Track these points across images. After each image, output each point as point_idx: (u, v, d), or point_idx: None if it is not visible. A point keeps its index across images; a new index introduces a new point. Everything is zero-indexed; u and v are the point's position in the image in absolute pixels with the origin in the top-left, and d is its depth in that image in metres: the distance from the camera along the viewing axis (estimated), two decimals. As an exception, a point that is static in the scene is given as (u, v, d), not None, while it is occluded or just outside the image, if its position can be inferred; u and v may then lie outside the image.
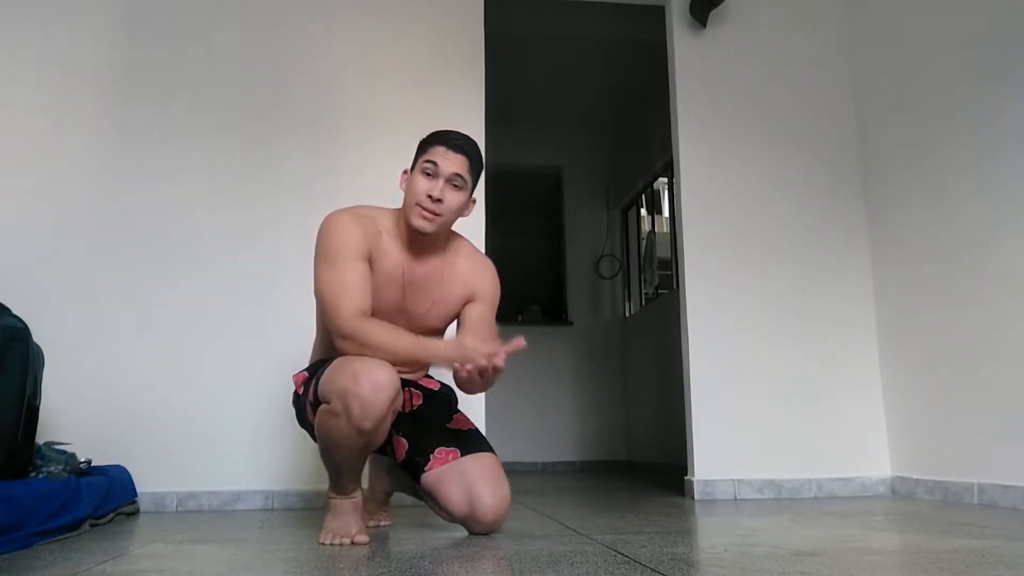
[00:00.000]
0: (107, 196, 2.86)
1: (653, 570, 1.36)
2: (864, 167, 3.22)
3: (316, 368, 1.91)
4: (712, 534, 1.96)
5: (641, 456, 5.54)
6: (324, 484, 1.91)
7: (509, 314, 5.49)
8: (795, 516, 2.28)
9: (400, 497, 2.36)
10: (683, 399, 3.08)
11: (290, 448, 2.76)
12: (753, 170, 3.18)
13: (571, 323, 6.06)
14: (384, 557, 1.59)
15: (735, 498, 2.90)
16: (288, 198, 2.94)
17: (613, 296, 6.21)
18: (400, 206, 1.97)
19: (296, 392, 1.96)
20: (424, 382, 2.05)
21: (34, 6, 2.95)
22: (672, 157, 3.29)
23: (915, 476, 2.85)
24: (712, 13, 3.22)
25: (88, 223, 2.83)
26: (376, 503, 2.23)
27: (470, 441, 1.96)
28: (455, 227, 2.01)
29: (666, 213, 5.62)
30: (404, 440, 1.94)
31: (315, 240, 1.88)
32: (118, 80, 2.95)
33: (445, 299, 1.99)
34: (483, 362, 1.66)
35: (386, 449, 1.98)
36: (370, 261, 1.87)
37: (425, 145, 1.93)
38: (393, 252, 1.92)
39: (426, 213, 1.87)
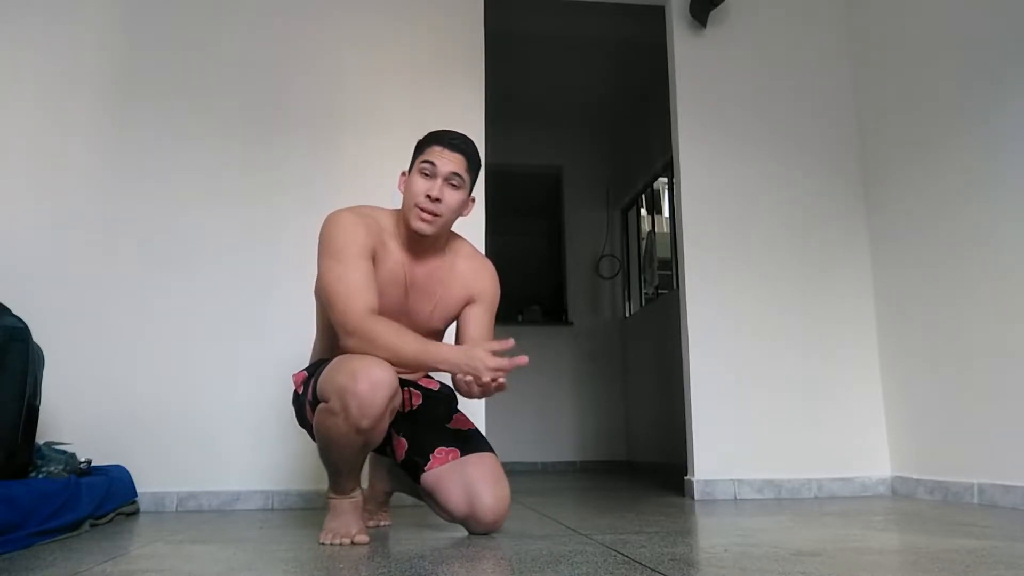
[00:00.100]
0: (107, 196, 2.86)
1: (653, 570, 1.36)
2: (864, 167, 3.22)
3: (316, 367, 1.91)
4: (712, 534, 1.96)
5: (641, 456, 5.54)
6: (324, 484, 1.91)
7: (509, 314, 5.49)
8: (795, 516, 2.28)
9: (400, 497, 2.36)
10: (683, 399, 3.08)
11: (290, 448, 2.76)
12: (753, 170, 3.18)
13: (571, 323, 6.06)
14: (384, 557, 1.59)
15: (735, 498, 2.90)
16: (288, 198, 2.94)
17: (613, 296, 6.21)
18: (399, 207, 1.97)
19: (296, 391, 1.96)
20: (424, 382, 2.05)
21: (34, 6, 2.95)
22: (672, 157, 3.29)
23: (915, 476, 2.85)
24: (712, 13, 3.22)
25: (88, 223, 2.83)
26: (376, 503, 2.23)
27: (470, 441, 1.96)
28: (455, 227, 2.01)
29: (666, 213, 5.62)
30: (404, 440, 1.94)
31: (317, 239, 1.88)
32: (118, 80, 2.95)
33: (446, 301, 1.99)
34: (486, 378, 1.67)
35: (386, 449, 1.98)
36: (373, 260, 1.87)
37: (422, 146, 1.92)
38: (394, 253, 1.93)
39: (425, 215, 1.87)
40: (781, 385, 3.03)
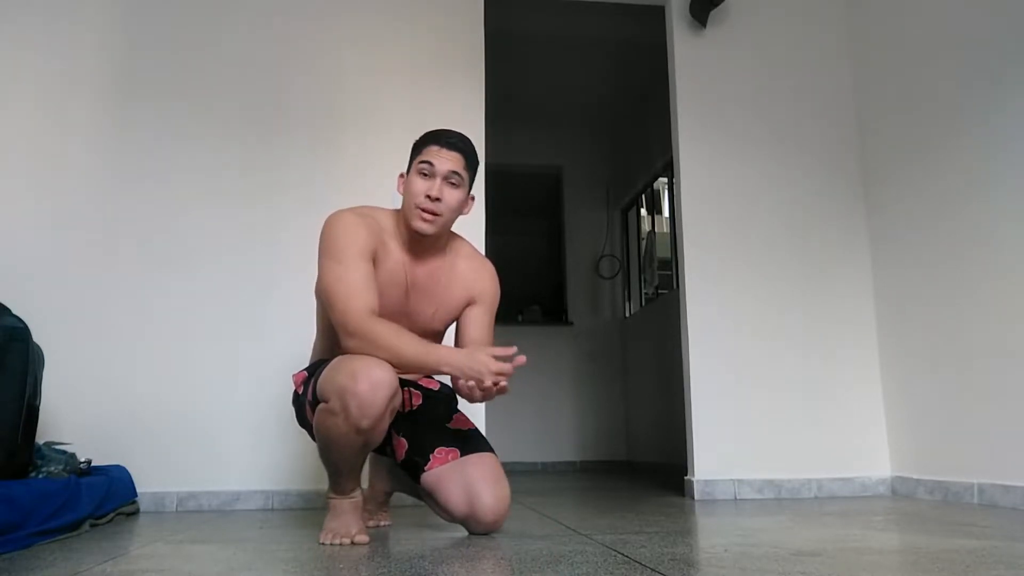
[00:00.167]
0: (107, 196, 2.86)
1: (653, 570, 1.36)
2: (864, 167, 3.22)
3: (316, 368, 1.91)
4: (712, 534, 1.96)
5: (641, 456, 5.54)
6: (324, 484, 1.91)
7: (509, 314, 5.49)
8: (795, 516, 2.28)
9: (400, 497, 2.36)
10: (683, 399, 3.08)
11: (290, 448, 2.76)
12: (753, 170, 3.18)
13: (571, 323, 6.06)
14: (384, 557, 1.59)
15: (735, 498, 2.90)
16: (288, 198, 2.94)
17: (613, 296, 6.21)
18: (399, 207, 1.97)
19: (296, 391, 1.96)
20: (424, 382, 2.05)
21: (34, 6, 2.95)
22: (672, 157, 3.29)
23: (915, 476, 2.85)
24: (712, 13, 3.22)
25: (88, 223, 2.83)
26: (376, 503, 2.23)
27: (470, 441, 1.96)
28: (455, 227, 2.01)
29: (666, 213, 5.62)
30: (404, 440, 1.94)
31: (318, 239, 1.88)
32: (118, 80, 2.95)
33: (447, 302, 1.99)
34: (488, 382, 1.67)
35: (386, 449, 1.98)
36: (374, 261, 1.86)
37: (419, 146, 1.92)
38: (395, 253, 1.93)
39: (426, 215, 1.87)
40: (781, 385, 3.03)
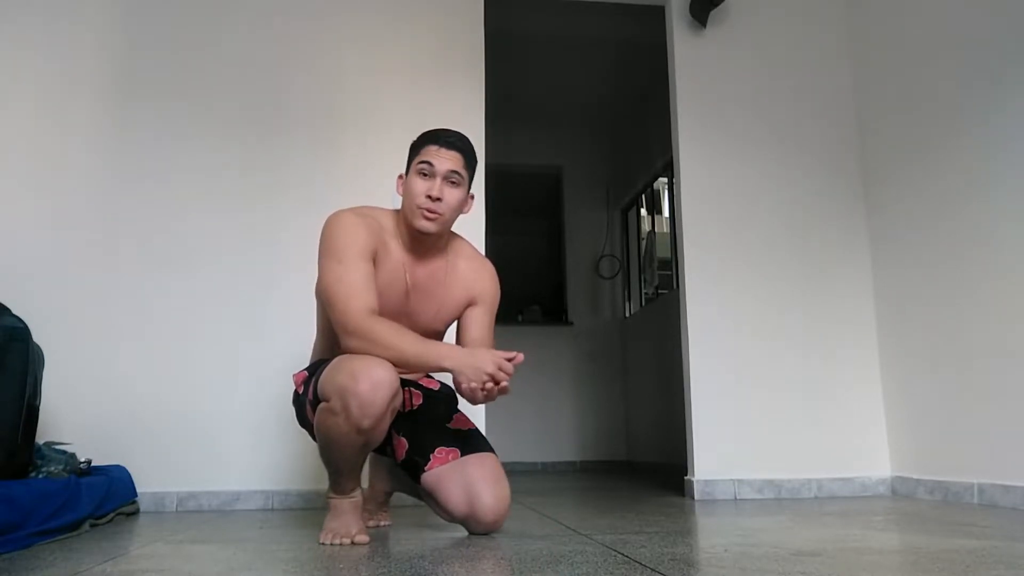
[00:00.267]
0: (107, 196, 2.86)
1: (653, 570, 1.36)
2: (864, 167, 3.22)
3: (316, 367, 1.91)
4: (712, 534, 1.96)
5: (641, 456, 5.54)
6: (324, 484, 1.91)
7: (509, 314, 5.49)
8: (795, 516, 2.28)
9: (400, 497, 2.36)
10: (683, 399, 3.08)
11: (290, 448, 2.76)
12: (753, 170, 3.18)
13: (571, 323, 6.06)
14: (384, 557, 1.59)
15: (735, 498, 2.90)
16: (288, 198, 2.94)
17: (613, 296, 6.21)
18: (398, 208, 1.97)
19: (296, 391, 1.96)
20: (424, 382, 2.05)
21: (34, 6, 2.95)
22: (672, 157, 3.29)
23: (915, 476, 2.85)
24: (712, 13, 3.22)
25: (88, 223, 2.83)
26: (376, 503, 2.23)
27: (470, 441, 1.96)
28: (455, 226, 2.01)
29: (666, 213, 5.62)
30: (404, 440, 1.94)
31: (318, 239, 1.88)
32: (118, 80, 2.95)
33: (447, 302, 1.99)
34: (490, 369, 1.68)
35: (386, 449, 1.98)
36: (374, 261, 1.87)
37: (417, 146, 1.92)
38: (396, 253, 1.93)
39: (428, 213, 1.87)
40: (781, 385, 3.03)
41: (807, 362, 3.06)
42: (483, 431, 2.45)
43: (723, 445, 2.96)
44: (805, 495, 2.93)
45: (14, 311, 2.14)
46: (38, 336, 2.20)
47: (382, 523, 2.19)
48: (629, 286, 6.07)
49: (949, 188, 2.73)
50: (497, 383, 1.69)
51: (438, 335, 2.03)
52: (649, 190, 5.72)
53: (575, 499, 3.12)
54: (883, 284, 3.10)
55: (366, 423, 1.67)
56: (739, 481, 2.92)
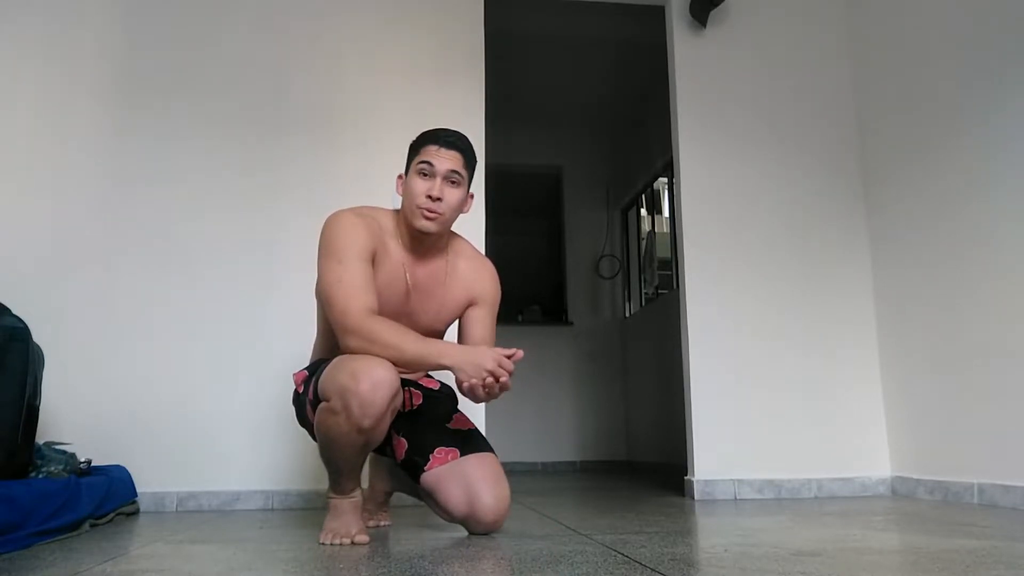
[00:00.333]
0: (107, 196, 2.86)
1: (653, 570, 1.36)
2: (864, 167, 3.22)
3: (316, 367, 1.91)
4: (712, 534, 1.96)
5: (641, 456, 5.54)
6: (324, 484, 1.91)
7: (509, 314, 5.49)
8: (795, 516, 2.28)
9: (400, 497, 2.36)
10: (683, 399, 3.08)
11: (290, 448, 2.76)
12: (753, 170, 3.18)
13: (571, 323, 6.06)
14: (384, 557, 1.59)
15: (735, 498, 2.90)
16: (288, 198, 2.94)
17: (613, 296, 6.21)
18: (398, 208, 1.97)
19: (296, 391, 1.96)
20: (424, 381, 2.05)
21: (34, 6, 2.95)
22: (672, 157, 3.29)
23: (915, 476, 2.85)
24: (712, 13, 3.22)
25: (88, 223, 2.83)
26: (376, 503, 2.23)
27: (470, 441, 1.96)
28: (455, 226, 2.01)
29: (666, 213, 5.62)
30: (404, 440, 1.94)
31: (318, 239, 1.88)
32: (118, 81, 2.95)
33: (447, 302, 1.99)
34: (490, 380, 1.68)
35: (386, 449, 1.98)
36: (374, 261, 1.87)
37: (417, 146, 1.92)
38: (395, 253, 1.93)
39: (428, 213, 1.87)
40: (781, 385, 3.03)
41: (807, 362, 3.06)
42: (483, 431, 2.45)
43: (723, 445, 2.96)
44: (805, 495, 2.93)
45: (14, 311, 2.14)
46: (38, 336, 2.20)
47: (382, 523, 2.19)
48: (629, 286, 6.07)
49: (949, 188, 2.73)
50: (498, 380, 1.69)
51: (438, 335, 2.03)
52: (649, 190, 5.72)
53: (575, 499, 3.12)
54: (883, 284, 3.10)
55: (366, 423, 1.67)
56: (739, 481, 2.92)
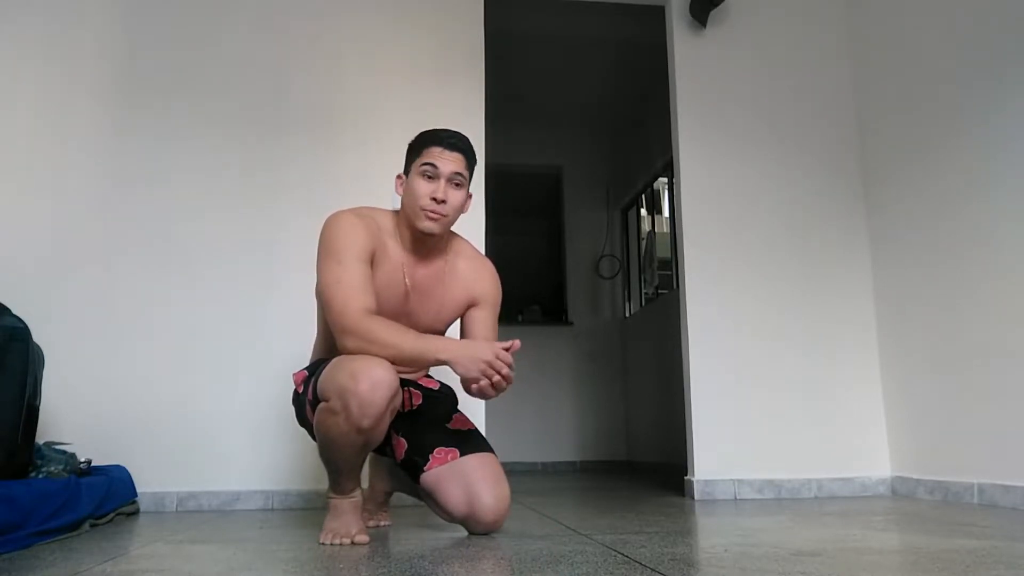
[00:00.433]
0: (107, 196, 2.86)
1: (653, 570, 1.36)
2: (864, 167, 3.22)
3: (316, 367, 1.91)
4: (712, 534, 1.96)
5: (641, 456, 5.54)
6: (324, 484, 1.91)
7: (509, 314, 5.49)
8: (795, 516, 2.28)
9: (400, 497, 2.36)
10: (683, 399, 3.08)
11: (290, 448, 2.76)
12: (753, 170, 3.18)
13: (571, 323, 6.06)
14: (384, 557, 1.59)
15: (735, 498, 2.90)
16: (288, 198, 2.94)
17: (613, 296, 6.21)
18: (398, 208, 1.97)
19: (296, 391, 1.96)
20: (424, 381, 2.05)
21: (34, 6, 2.94)
22: (672, 157, 3.29)
23: (915, 476, 2.85)
24: (712, 13, 3.22)
25: (88, 223, 2.83)
26: (376, 503, 2.23)
27: (470, 441, 1.96)
28: (455, 226, 2.01)
29: (666, 213, 5.62)
30: (403, 440, 1.94)
31: (318, 240, 1.88)
32: (118, 81, 2.95)
33: (447, 302, 1.99)
34: (488, 371, 1.68)
35: (385, 449, 1.98)
36: (373, 262, 1.87)
37: (419, 147, 1.92)
38: (395, 254, 1.93)
39: (431, 215, 1.87)
40: (781, 385, 3.03)
41: (807, 362, 3.06)
42: (483, 431, 2.46)
43: (723, 445, 2.96)
44: (805, 495, 2.93)
45: (14, 311, 2.14)
46: (38, 336, 2.20)
47: (382, 523, 2.19)
48: (629, 286, 6.07)
49: (949, 188, 2.73)
50: (498, 373, 1.68)
51: (437, 335, 2.03)
52: (649, 190, 5.72)
53: (575, 499, 3.12)
54: (883, 284, 3.10)
55: (366, 423, 1.67)
56: (739, 481, 2.92)
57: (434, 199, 1.86)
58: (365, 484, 2.16)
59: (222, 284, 2.86)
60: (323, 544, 1.77)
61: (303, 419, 1.96)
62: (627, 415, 5.90)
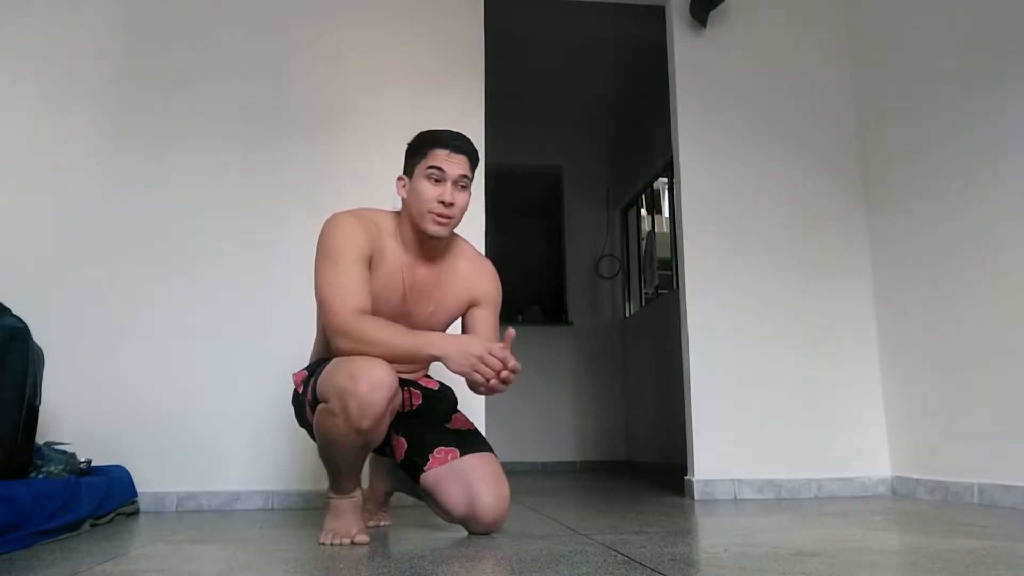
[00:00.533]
0: (107, 197, 2.86)
1: (653, 570, 1.36)
2: (864, 167, 3.22)
3: (316, 367, 1.91)
4: (712, 534, 1.96)
5: (641, 456, 5.54)
6: (324, 484, 1.91)
7: (509, 314, 5.48)
8: (795, 516, 2.28)
9: (400, 497, 2.36)
10: (683, 399, 3.08)
11: (290, 448, 2.76)
12: (753, 170, 3.18)
13: (571, 323, 6.06)
14: (384, 557, 1.59)
15: (735, 498, 2.90)
16: (288, 198, 2.94)
17: (613, 296, 6.21)
18: (398, 209, 1.97)
19: (296, 391, 1.96)
20: (423, 381, 2.05)
21: (34, 6, 2.95)
22: (672, 157, 3.29)
23: (915, 476, 2.85)
24: (712, 13, 3.22)
25: (88, 223, 2.83)
26: (376, 503, 2.23)
27: (469, 441, 1.96)
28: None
29: (666, 213, 5.62)
30: (403, 440, 1.94)
31: (317, 240, 1.88)
32: (118, 81, 2.95)
33: (446, 302, 1.99)
34: (481, 367, 1.67)
35: (385, 449, 1.98)
36: (371, 263, 1.87)
37: (422, 149, 1.91)
38: (395, 255, 1.93)
39: (439, 218, 1.87)
40: (781, 385, 3.03)
41: (807, 362, 3.06)
42: (483, 431, 2.46)
43: (723, 445, 2.96)
44: (805, 495, 2.93)
45: (14, 311, 2.14)
46: (38, 336, 2.20)
47: (382, 523, 2.19)
48: (629, 286, 6.07)
49: (949, 188, 2.73)
50: (493, 370, 1.68)
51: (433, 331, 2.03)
52: (649, 190, 5.72)
53: (575, 499, 3.12)
54: (883, 284, 3.10)
55: (365, 424, 1.67)
56: (739, 481, 2.92)
57: (442, 202, 1.86)
58: (365, 484, 2.16)
59: (222, 284, 2.86)
60: (323, 544, 1.77)
61: (303, 419, 1.96)
62: (627, 415, 5.90)
